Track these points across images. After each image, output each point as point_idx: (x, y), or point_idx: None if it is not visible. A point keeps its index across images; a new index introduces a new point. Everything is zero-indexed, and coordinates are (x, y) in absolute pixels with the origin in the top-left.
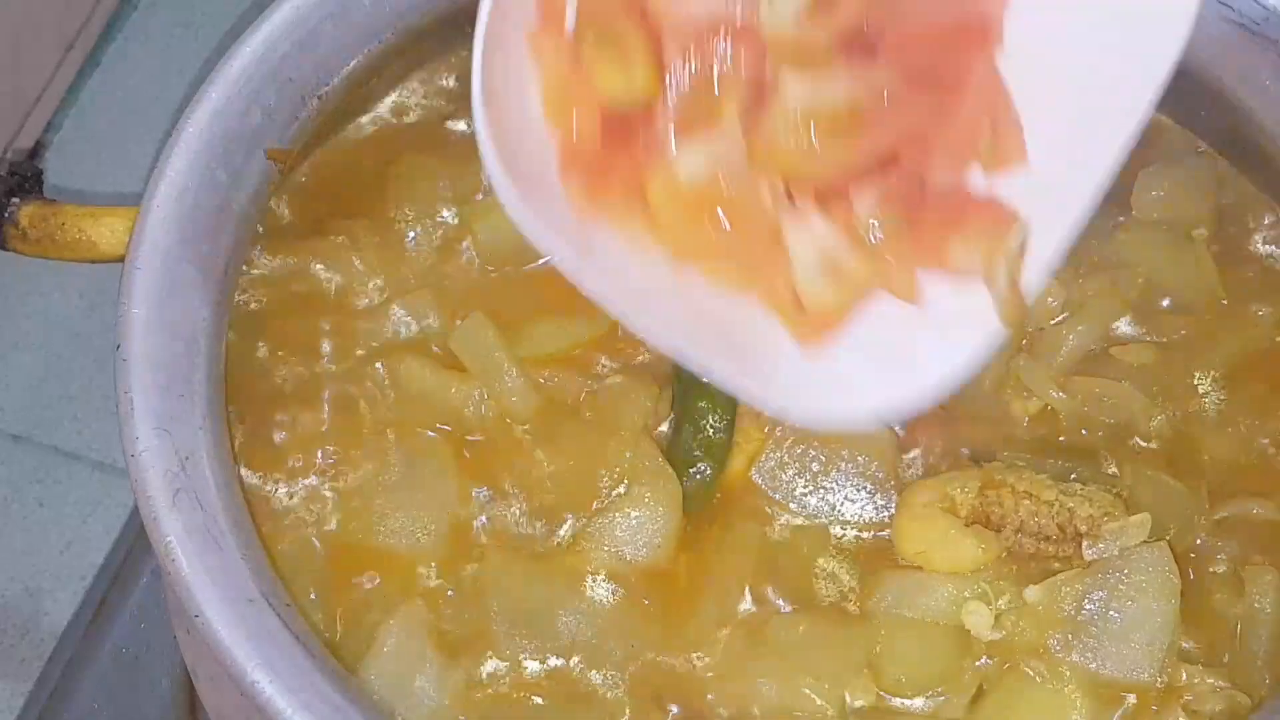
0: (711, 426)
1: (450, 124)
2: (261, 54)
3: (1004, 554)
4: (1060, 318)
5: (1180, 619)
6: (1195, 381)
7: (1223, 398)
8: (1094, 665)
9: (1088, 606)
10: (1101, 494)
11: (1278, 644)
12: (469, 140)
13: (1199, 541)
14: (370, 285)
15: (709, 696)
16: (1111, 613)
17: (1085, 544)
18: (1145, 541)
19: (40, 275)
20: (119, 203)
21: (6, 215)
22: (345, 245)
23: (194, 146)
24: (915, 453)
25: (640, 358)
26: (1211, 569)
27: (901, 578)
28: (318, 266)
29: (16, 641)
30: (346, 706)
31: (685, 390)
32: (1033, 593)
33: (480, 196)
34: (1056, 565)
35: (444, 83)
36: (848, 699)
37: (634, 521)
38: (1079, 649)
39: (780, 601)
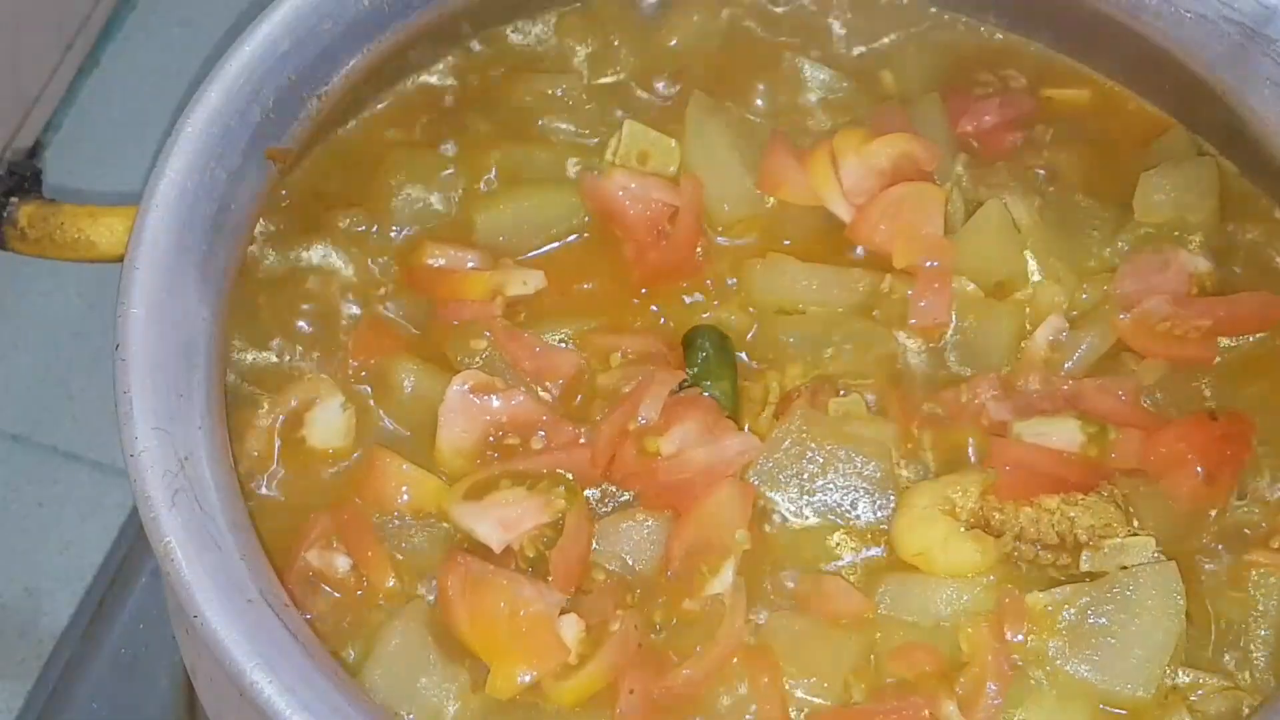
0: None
1: (451, 122)
2: (261, 54)
3: (1003, 559)
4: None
5: (1184, 635)
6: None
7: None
8: (1093, 677)
9: (1091, 619)
10: (1103, 505)
11: None
12: (466, 136)
13: (1203, 543)
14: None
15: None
16: (1114, 627)
17: (1084, 555)
18: (1153, 560)
19: (40, 275)
20: (119, 203)
21: (5, 215)
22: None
23: (194, 146)
24: (915, 454)
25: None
26: (1214, 570)
27: (900, 579)
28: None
29: (16, 642)
30: (345, 706)
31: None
32: (1036, 599)
33: (482, 187)
34: (1055, 573)
35: (443, 80)
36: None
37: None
38: (1079, 659)
39: (780, 601)
